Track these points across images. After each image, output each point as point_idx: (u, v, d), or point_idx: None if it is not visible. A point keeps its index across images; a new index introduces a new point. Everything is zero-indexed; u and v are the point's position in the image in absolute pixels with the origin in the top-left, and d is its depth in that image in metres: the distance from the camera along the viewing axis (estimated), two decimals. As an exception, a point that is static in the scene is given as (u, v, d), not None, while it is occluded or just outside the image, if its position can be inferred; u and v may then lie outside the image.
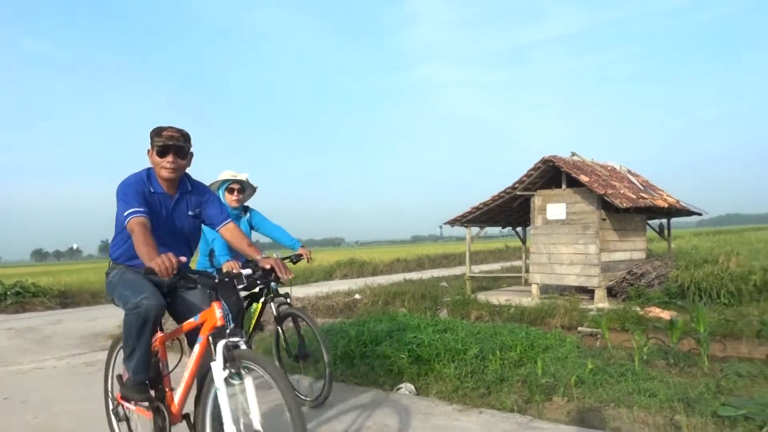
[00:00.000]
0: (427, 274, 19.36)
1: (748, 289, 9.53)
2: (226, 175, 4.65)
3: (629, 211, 11.00)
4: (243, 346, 2.41)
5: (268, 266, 2.69)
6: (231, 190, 4.62)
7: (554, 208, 11.48)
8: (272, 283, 4.07)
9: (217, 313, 2.50)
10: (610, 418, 3.79)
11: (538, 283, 11.76)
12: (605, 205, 10.77)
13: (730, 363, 5.20)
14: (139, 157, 3.09)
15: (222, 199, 4.50)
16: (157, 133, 2.80)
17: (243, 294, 4.38)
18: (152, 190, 2.85)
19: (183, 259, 2.38)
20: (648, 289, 10.56)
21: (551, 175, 11.87)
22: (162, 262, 2.27)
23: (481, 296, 11.83)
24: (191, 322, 2.74)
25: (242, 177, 4.63)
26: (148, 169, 2.91)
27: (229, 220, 3.04)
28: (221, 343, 2.38)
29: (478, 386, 4.55)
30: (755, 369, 4.75)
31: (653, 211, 12.31)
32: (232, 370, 2.34)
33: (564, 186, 11.47)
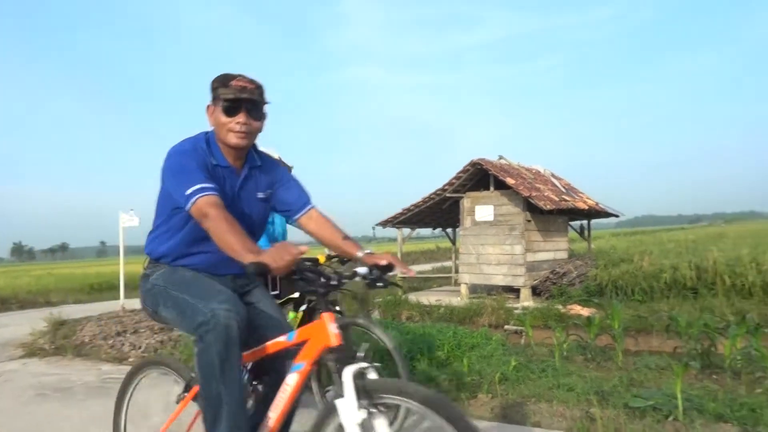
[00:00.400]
0: (359, 276, 19.39)
1: (660, 287, 10.15)
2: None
3: (552, 212, 11.46)
4: (373, 374, 1.71)
5: (384, 262, 2.01)
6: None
7: (482, 209, 11.79)
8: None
9: (330, 328, 1.81)
10: (531, 412, 3.93)
11: (467, 283, 12.04)
12: (530, 207, 11.18)
13: (641, 357, 5.50)
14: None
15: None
16: (223, 82, 2.03)
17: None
18: (214, 162, 2.07)
19: (304, 248, 1.71)
20: (570, 288, 11.05)
21: (480, 177, 12.19)
22: (279, 255, 1.63)
23: (413, 297, 11.98)
24: (281, 342, 1.98)
25: (275, 154, 3.20)
26: (206, 134, 2.13)
27: (311, 207, 2.26)
28: (350, 371, 1.66)
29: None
30: (663, 362, 5.05)
31: (575, 213, 12.89)
32: (371, 410, 1.63)
33: (492, 188, 11.81)
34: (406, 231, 14.83)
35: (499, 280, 11.58)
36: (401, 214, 13.67)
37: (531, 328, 6.71)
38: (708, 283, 9.87)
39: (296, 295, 3.52)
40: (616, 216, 14.05)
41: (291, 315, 3.59)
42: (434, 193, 12.75)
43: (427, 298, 11.62)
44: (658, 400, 3.76)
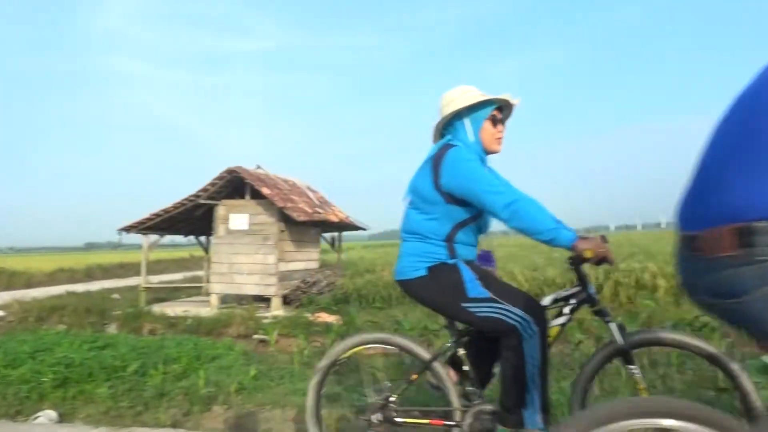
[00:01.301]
0: (97, 286, 17.50)
1: (396, 294, 11.21)
2: (474, 93, 2.42)
3: (306, 224, 11.86)
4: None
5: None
6: (496, 121, 2.46)
7: (237, 218, 11.64)
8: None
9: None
10: (263, 420, 3.99)
11: (218, 293, 11.73)
12: (285, 218, 11.40)
13: (374, 358, 5.99)
14: None
15: (467, 135, 2.43)
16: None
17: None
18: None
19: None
20: (319, 296, 11.54)
21: (236, 185, 12.03)
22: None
23: (157, 308, 11.22)
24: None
25: (514, 100, 2.47)
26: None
27: None
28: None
29: (134, 404, 4.28)
30: (390, 362, 5.59)
31: (327, 225, 13.53)
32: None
33: (248, 197, 11.74)
34: (155, 237, 13.85)
35: (251, 290, 11.54)
36: (149, 219, 12.72)
37: (275, 336, 6.82)
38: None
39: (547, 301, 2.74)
40: (364, 229, 15.14)
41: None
42: (187, 199, 12.17)
43: (174, 309, 10.99)
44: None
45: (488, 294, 2.26)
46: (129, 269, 26.58)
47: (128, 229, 12.97)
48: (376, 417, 2.53)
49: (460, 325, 2.55)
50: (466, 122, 2.40)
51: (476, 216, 2.36)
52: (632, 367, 2.33)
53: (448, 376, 2.52)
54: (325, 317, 9.97)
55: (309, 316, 9.98)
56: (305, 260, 12.68)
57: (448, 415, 2.46)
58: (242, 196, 11.89)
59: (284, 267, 11.64)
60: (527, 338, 2.20)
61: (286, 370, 5.20)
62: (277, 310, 11.12)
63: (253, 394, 4.53)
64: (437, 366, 2.52)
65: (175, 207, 12.36)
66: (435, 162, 2.30)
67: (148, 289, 13.57)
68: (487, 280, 2.34)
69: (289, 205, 11.32)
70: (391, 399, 2.56)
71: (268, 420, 3.99)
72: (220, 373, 5.01)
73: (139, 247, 13.91)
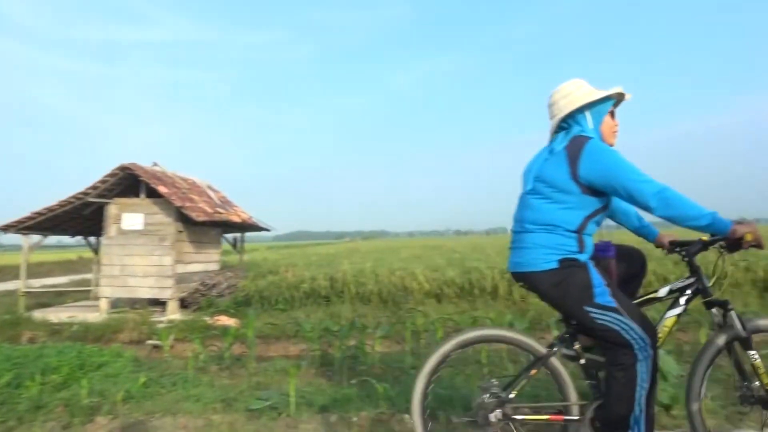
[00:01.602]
0: (-32, 291, 15.88)
1: (299, 296, 11.12)
2: (588, 87, 2.52)
3: (206, 224, 11.46)
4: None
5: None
6: (613, 115, 2.56)
7: (131, 217, 11.04)
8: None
9: None
10: (152, 429, 3.81)
11: (108, 297, 11.05)
12: (183, 218, 10.95)
13: (272, 361, 5.91)
14: None
15: (590, 128, 2.46)
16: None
17: None
18: None
19: None
20: (219, 299, 11.19)
21: (130, 183, 11.40)
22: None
23: (39, 314, 10.39)
24: None
25: (628, 95, 2.56)
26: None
27: None
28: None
29: (6, 419, 3.94)
30: (289, 363, 5.54)
31: (229, 226, 13.16)
32: None
33: (143, 196, 11.17)
34: (37, 238, 12.80)
35: (145, 293, 10.97)
36: (30, 218, 11.73)
37: (168, 341, 6.54)
38: (338, 291, 11.25)
39: (663, 292, 2.64)
40: (268, 230, 14.88)
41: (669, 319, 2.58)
42: (74, 197, 11.35)
43: (58, 315, 10.23)
44: (276, 399, 4.10)
45: (614, 304, 2.24)
46: (7, 272, 24.37)
47: (6, 228, 11.90)
48: (494, 415, 2.40)
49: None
50: (588, 115, 2.44)
51: (605, 207, 2.39)
52: (752, 352, 2.39)
53: (564, 371, 2.47)
54: (225, 320, 9.70)
55: (208, 319, 9.66)
56: (205, 262, 12.25)
57: (566, 411, 2.42)
58: (137, 195, 11.28)
59: (182, 269, 11.18)
60: (641, 360, 2.20)
61: (180, 376, 5.00)
62: (173, 313, 10.66)
63: (141, 403, 4.31)
64: (554, 361, 2.46)
65: (60, 205, 11.50)
66: (571, 153, 2.30)
67: (28, 293, 12.52)
68: (613, 288, 2.32)
69: (187, 204, 10.90)
70: (511, 396, 2.44)
71: (157, 428, 3.82)
72: (105, 381, 4.72)
73: (19, 248, 12.80)
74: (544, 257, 2.32)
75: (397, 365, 5.15)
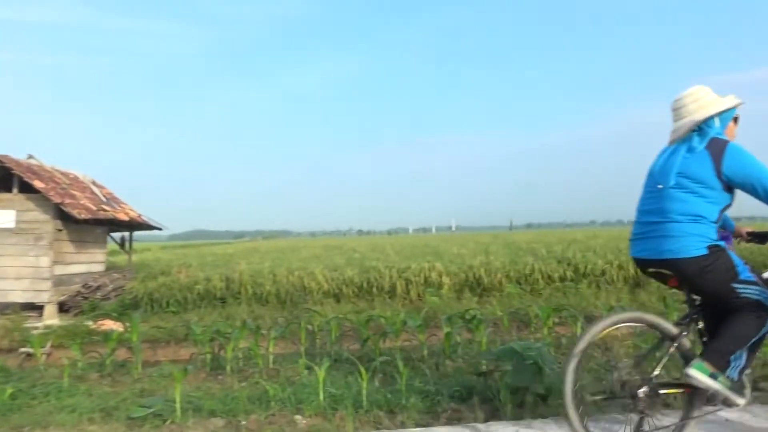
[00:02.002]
0: None
1: (193, 298, 10.68)
2: (714, 94, 2.88)
3: (89, 222, 10.72)
4: None
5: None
6: (737, 121, 2.99)
7: (1, 215, 10.08)
8: None
9: None
10: (19, 444, 3.52)
11: (-27, 302, 10.02)
12: (63, 215, 10.17)
13: (160, 367, 5.64)
14: None
15: (718, 131, 2.84)
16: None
17: None
18: None
19: None
20: (104, 302, 10.50)
21: (0, 177, 10.41)
22: None
23: None
24: None
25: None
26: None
27: None
28: None
29: None
30: (177, 369, 5.32)
31: (116, 224, 12.39)
32: None
33: (15, 191, 10.24)
34: None
35: (18, 297, 10.06)
36: None
37: (44, 349, 6.05)
38: (235, 292, 10.93)
39: None
40: (159, 229, 14.18)
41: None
42: (-67, 191, 10.20)
43: None
44: (161, 406, 3.92)
45: (755, 278, 2.68)
46: None
47: None
48: (643, 391, 2.65)
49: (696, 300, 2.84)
50: (716, 120, 2.79)
51: (731, 203, 2.75)
52: None
53: (690, 348, 2.81)
54: (110, 324, 9.12)
55: (90, 324, 9.03)
56: (88, 262, 11.44)
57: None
58: (8, 190, 10.32)
59: (61, 270, 10.38)
60: None
61: (54, 386, 4.64)
62: (51, 318, 9.86)
63: (8, 416, 3.97)
64: (684, 339, 2.78)
65: None
66: (714, 152, 2.64)
67: None
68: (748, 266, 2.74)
69: (68, 201, 10.14)
70: (656, 372, 2.70)
71: (24, 443, 3.53)
72: (-35, 395, 4.29)
73: None
74: (695, 244, 2.63)
75: (290, 366, 5.10)
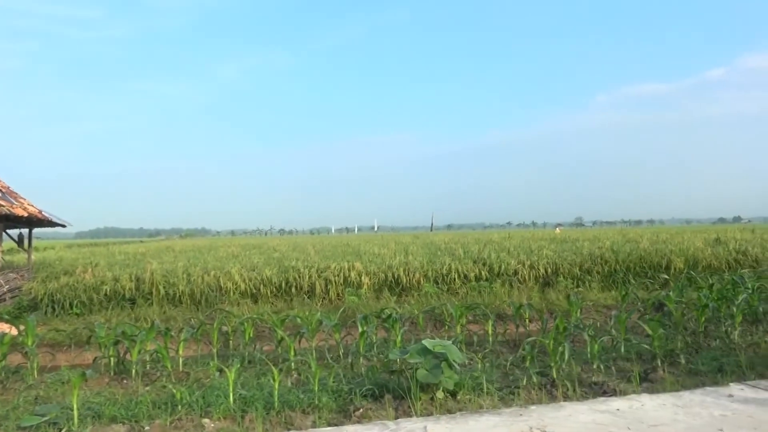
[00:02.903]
0: None
1: (99, 298, 10.12)
2: None
3: (-18, 218, 9.91)
4: None
5: None
6: None
7: None
8: None
9: None
10: None
11: None
12: (-49, 210, 9.34)
13: (58, 372, 5.31)
14: None
15: None
16: None
17: None
18: None
19: None
20: (-2, 304, 9.74)
21: None
22: None
23: None
24: None
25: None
26: None
27: None
28: None
29: None
30: (76, 374, 5.02)
31: (12, 220, 11.52)
32: None
33: None
34: None
35: None
36: None
37: None
38: (146, 293, 10.45)
39: None
40: (63, 226, 13.33)
41: None
42: None
43: None
44: (56, 413, 3.69)
45: None
46: None
47: None
48: None
49: None
50: None
51: None
52: None
53: None
54: (6, 328, 8.47)
55: (-20, 327, 8.35)
56: (-20, 261, 10.58)
57: None
58: None
59: (-52, 270, 9.52)
60: None
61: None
62: (-66, 322, 9.02)
63: None
64: None
65: None
66: None
67: None
68: None
69: (-43, 194, 9.32)
70: None
71: None
72: None
73: None
74: None
75: (201, 368, 4.95)
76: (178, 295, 10.34)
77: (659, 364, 4.60)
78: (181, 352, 5.29)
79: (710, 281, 7.89)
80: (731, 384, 3.98)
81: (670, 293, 6.65)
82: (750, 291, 6.45)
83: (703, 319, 5.67)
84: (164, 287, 10.46)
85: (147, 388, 4.44)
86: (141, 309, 9.97)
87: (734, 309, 5.59)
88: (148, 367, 5.15)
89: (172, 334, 5.69)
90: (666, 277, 10.82)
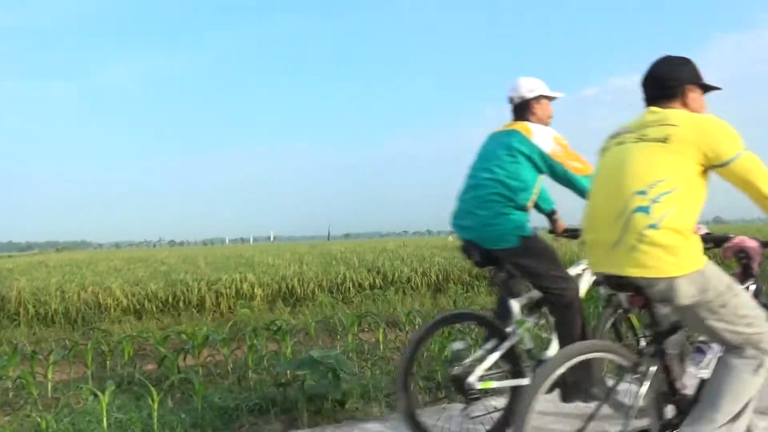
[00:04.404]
0: None
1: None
2: None
3: None
4: None
5: None
6: None
7: None
8: None
9: None
10: None
11: None
12: None
13: None
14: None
15: None
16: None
17: None
18: None
19: None
20: None
21: None
22: None
23: None
24: None
25: None
26: None
27: None
28: None
29: None
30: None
31: None
32: None
33: None
34: None
35: None
36: None
37: None
38: (12, 313, 9.56)
39: None
40: None
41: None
42: None
43: None
44: None
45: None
46: None
47: None
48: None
49: None
50: None
51: None
52: None
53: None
54: None
55: None
56: None
57: None
58: None
59: None
60: None
61: None
62: None
63: None
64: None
65: None
66: None
67: None
68: None
69: None
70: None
71: None
72: None
73: None
74: None
75: (73, 393, 4.59)
76: (50, 314, 9.54)
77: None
78: (50, 376, 4.86)
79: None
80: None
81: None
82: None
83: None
84: (34, 306, 9.61)
85: (7, 418, 4.05)
86: (6, 331, 9.07)
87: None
88: (10, 395, 4.69)
89: (40, 357, 5.24)
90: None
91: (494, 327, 3.02)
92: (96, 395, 4.01)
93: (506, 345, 2.93)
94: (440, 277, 12.05)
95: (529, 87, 3.09)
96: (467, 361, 2.92)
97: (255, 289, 10.88)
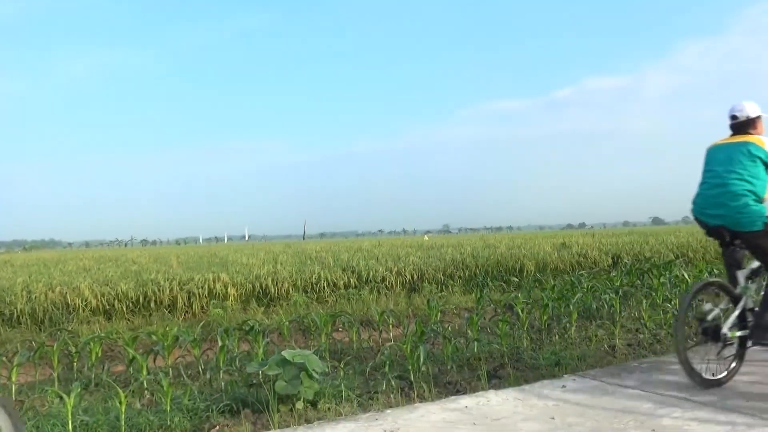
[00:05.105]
0: None
1: None
2: None
3: None
4: None
5: None
6: None
7: None
8: None
9: None
10: None
11: None
12: None
13: None
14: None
15: None
16: None
17: None
18: None
19: None
20: None
21: None
22: None
23: None
24: None
25: None
26: None
27: None
28: None
29: None
30: None
31: None
32: None
33: None
34: None
35: None
36: None
37: None
38: (-25, 314, 9.29)
39: None
40: None
41: None
42: None
43: None
44: None
45: None
46: None
47: None
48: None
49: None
50: None
51: None
52: None
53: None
54: None
55: None
56: None
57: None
58: None
59: None
60: None
61: None
62: None
63: None
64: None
65: None
66: None
67: None
68: None
69: None
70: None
71: None
72: None
73: None
74: None
75: (39, 396, 4.50)
76: (15, 314, 9.31)
77: (506, 362, 4.96)
78: (14, 378, 4.76)
79: (553, 282, 8.66)
80: (565, 375, 4.41)
81: (519, 294, 7.22)
82: (585, 290, 7.21)
83: (546, 317, 6.21)
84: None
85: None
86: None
87: (571, 307, 6.19)
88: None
89: (4, 359, 5.11)
90: (517, 279, 11.67)
91: (731, 292, 4.02)
92: (61, 397, 3.93)
93: (740, 305, 3.95)
94: (415, 276, 12.08)
95: (753, 109, 4.13)
96: (711, 316, 3.95)
97: (228, 289, 10.76)
